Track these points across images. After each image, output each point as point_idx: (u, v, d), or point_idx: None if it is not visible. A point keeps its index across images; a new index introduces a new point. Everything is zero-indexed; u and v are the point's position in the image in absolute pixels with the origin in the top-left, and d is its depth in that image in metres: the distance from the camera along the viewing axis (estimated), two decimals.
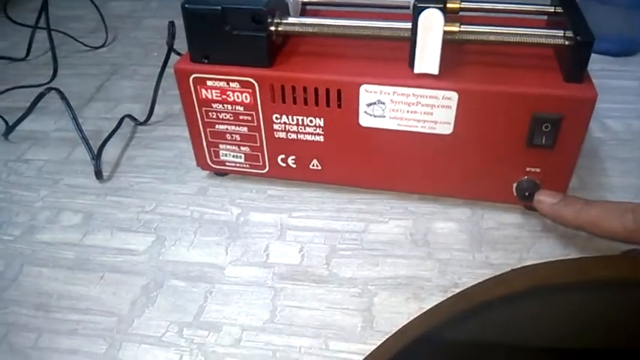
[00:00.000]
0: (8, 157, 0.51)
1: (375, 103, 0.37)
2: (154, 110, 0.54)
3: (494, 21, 0.38)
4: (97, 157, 0.47)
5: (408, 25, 0.35)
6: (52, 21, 0.68)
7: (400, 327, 0.21)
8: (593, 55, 0.34)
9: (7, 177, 0.48)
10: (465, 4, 0.40)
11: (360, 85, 0.37)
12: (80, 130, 0.49)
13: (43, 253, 0.40)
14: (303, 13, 0.43)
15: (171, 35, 0.52)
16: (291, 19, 0.39)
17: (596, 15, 0.59)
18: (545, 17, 0.41)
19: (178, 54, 0.51)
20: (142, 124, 0.54)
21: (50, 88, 0.52)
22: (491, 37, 0.36)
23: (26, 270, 0.38)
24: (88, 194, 0.45)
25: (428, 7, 0.33)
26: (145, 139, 0.52)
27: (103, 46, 0.71)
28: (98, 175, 0.46)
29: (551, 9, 0.40)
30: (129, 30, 0.76)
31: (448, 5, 0.39)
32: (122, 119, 0.52)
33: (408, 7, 0.38)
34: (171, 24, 0.53)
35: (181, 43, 0.42)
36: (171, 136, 0.52)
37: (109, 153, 0.50)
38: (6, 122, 0.54)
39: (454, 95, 0.35)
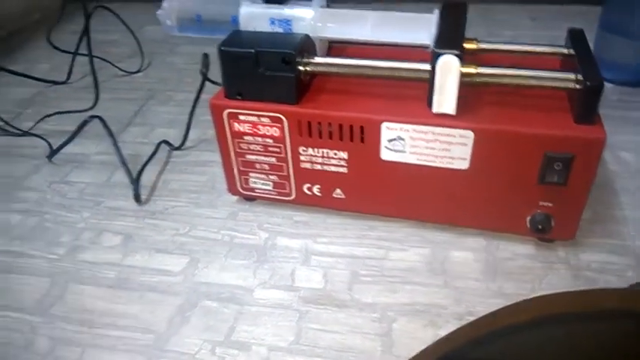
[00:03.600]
0: (52, 178, 0.55)
1: (395, 139, 0.40)
2: (188, 135, 0.57)
3: (508, 60, 0.41)
4: (136, 182, 0.51)
5: (427, 66, 0.38)
6: (92, 46, 0.73)
7: (416, 353, 0.23)
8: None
9: (51, 198, 0.52)
10: (481, 46, 0.43)
11: (382, 123, 0.39)
12: (121, 155, 0.53)
13: (86, 271, 0.43)
14: (329, 49, 0.46)
15: (206, 66, 0.55)
16: (317, 59, 0.41)
17: (614, 46, 0.61)
18: (559, 57, 0.43)
19: (212, 82, 0.55)
20: (176, 149, 0.57)
21: (94, 116, 0.56)
22: (506, 80, 0.38)
23: (71, 287, 0.42)
24: (127, 216, 0.49)
25: (445, 54, 0.36)
26: (179, 164, 0.55)
27: (139, 71, 0.75)
28: (137, 198, 0.50)
29: (565, 50, 0.42)
30: (164, 55, 0.80)
31: (465, 46, 0.41)
32: (159, 145, 0.55)
33: (427, 47, 0.41)
34: (205, 56, 0.57)
35: (214, 70, 0.45)
36: (204, 161, 0.55)
37: (146, 176, 0.53)
38: (50, 146, 0.58)
39: (470, 134, 0.38)
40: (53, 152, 0.57)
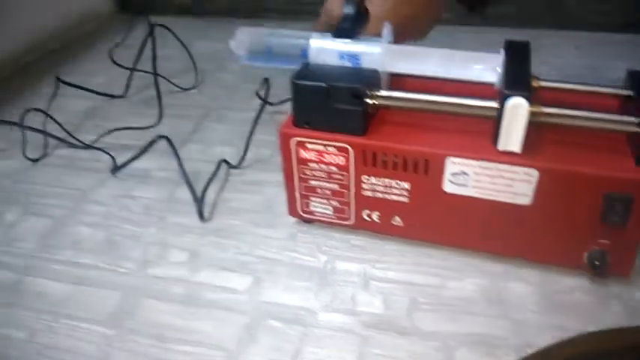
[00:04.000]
0: (117, 192, 0.57)
1: (459, 174, 0.41)
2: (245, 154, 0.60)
3: (568, 98, 0.42)
4: (200, 200, 0.53)
5: (493, 104, 0.40)
6: (143, 60, 0.76)
7: None
8: None
9: (118, 212, 0.55)
10: (542, 84, 0.44)
11: (447, 158, 0.41)
12: (186, 175, 0.55)
13: (156, 286, 0.45)
14: (390, 81, 0.48)
15: (266, 89, 0.58)
16: (384, 93, 0.43)
17: None
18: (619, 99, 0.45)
19: (267, 103, 0.57)
20: (234, 167, 0.59)
21: (161, 136, 0.59)
22: (570, 121, 0.39)
23: (142, 302, 0.44)
24: (191, 233, 0.51)
25: (515, 96, 0.38)
26: (237, 183, 0.58)
27: (193, 87, 0.78)
28: (201, 216, 0.52)
29: (624, 92, 0.43)
30: (214, 71, 0.83)
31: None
32: (219, 164, 0.58)
33: (492, 84, 0.42)
34: (265, 80, 0.59)
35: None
36: (261, 180, 0.57)
37: (207, 194, 0.55)
38: (114, 161, 0.61)
39: (535, 172, 0.39)
40: (117, 168, 0.60)
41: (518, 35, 0.59)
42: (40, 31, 0.92)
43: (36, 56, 0.91)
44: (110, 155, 0.61)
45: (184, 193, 0.55)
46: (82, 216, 0.54)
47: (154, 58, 0.71)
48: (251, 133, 0.58)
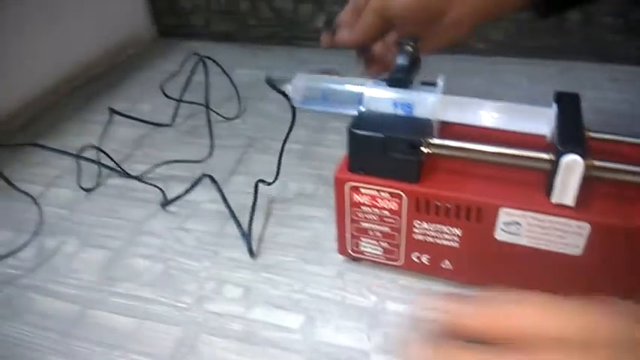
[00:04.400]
0: (170, 224, 0.60)
1: (511, 223, 0.43)
2: (288, 188, 0.62)
3: (619, 149, 0.43)
4: (247, 236, 0.55)
5: (547, 156, 0.41)
6: (187, 89, 0.79)
7: None
8: None
9: (172, 244, 0.57)
10: (592, 135, 0.46)
11: (501, 208, 0.42)
12: (231, 210, 0.57)
13: (213, 322, 0.47)
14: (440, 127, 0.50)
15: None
16: (437, 142, 0.45)
17: None
18: None
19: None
20: (278, 201, 0.61)
21: (206, 175, 0.62)
22: (621, 176, 0.40)
23: (202, 338, 0.46)
24: (243, 268, 0.53)
25: (570, 153, 0.39)
26: (283, 217, 0.59)
27: (237, 117, 0.80)
28: (251, 252, 0.54)
29: None
30: (256, 100, 0.85)
31: None
32: (257, 186, 0.59)
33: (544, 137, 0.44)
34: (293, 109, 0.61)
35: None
36: (307, 216, 0.59)
37: (254, 227, 0.57)
38: (164, 195, 0.63)
39: (587, 226, 0.40)
40: (168, 202, 0.62)
41: (555, 67, 0.59)
42: (87, 56, 0.95)
43: (82, 81, 0.94)
44: (160, 189, 0.64)
45: (234, 227, 0.57)
46: (138, 248, 0.57)
47: (207, 91, 0.74)
48: (279, 158, 0.60)
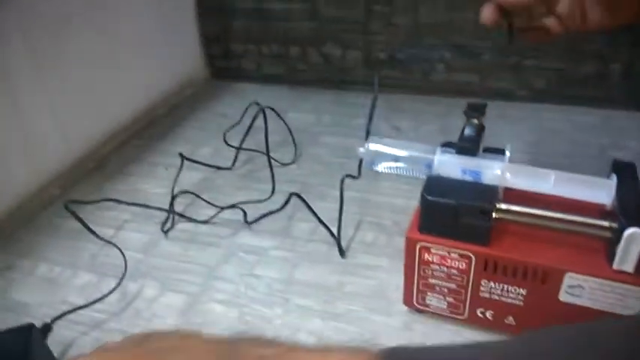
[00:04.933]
0: (241, 270, 0.64)
1: (575, 286, 0.46)
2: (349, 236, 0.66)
3: None
4: None
5: (608, 224, 0.44)
6: (239, 131, 0.84)
7: None
8: None
9: (245, 290, 0.61)
10: None
11: (566, 273, 0.46)
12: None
13: None
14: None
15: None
16: (505, 207, 0.48)
17: None
18: None
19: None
20: (341, 251, 0.65)
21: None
22: None
23: None
24: (314, 317, 0.57)
25: (632, 227, 0.42)
26: (347, 266, 0.63)
27: (293, 162, 0.85)
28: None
29: None
30: (309, 145, 0.90)
31: None
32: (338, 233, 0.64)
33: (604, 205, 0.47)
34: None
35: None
36: (372, 265, 0.63)
37: (319, 275, 0.61)
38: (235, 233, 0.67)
39: None
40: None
41: (597, 115, 0.63)
42: (148, 100, 1.01)
43: (145, 124, 1.00)
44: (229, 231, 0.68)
45: (302, 274, 0.61)
46: (213, 293, 0.61)
47: (266, 139, 0.79)
48: (340, 218, 0.64)
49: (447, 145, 0.53)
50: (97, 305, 0.60)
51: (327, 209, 0.73)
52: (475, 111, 0.52)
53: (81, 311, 0.58)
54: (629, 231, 0.42)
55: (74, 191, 0.80)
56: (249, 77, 1.14)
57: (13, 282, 0.63)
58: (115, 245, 0.67)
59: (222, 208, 0.73)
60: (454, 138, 0.53)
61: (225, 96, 1.10)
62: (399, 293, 0.55)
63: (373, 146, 0.54)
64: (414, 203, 0.51)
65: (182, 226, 0.72)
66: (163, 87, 1.05)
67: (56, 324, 0.55)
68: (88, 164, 0.86)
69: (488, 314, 0.52)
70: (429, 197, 0.48)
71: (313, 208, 0.72)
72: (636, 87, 0.93)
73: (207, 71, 1.17)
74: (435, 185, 0.50)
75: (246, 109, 0.90)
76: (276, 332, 0.55)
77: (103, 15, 0.87)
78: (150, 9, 0.97)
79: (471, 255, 0.49)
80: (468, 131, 0.51)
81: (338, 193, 0.73)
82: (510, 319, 0.51)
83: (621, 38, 0.88)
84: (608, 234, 0.45)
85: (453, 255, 0.49)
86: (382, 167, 0.54)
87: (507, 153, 0.50)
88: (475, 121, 0.51)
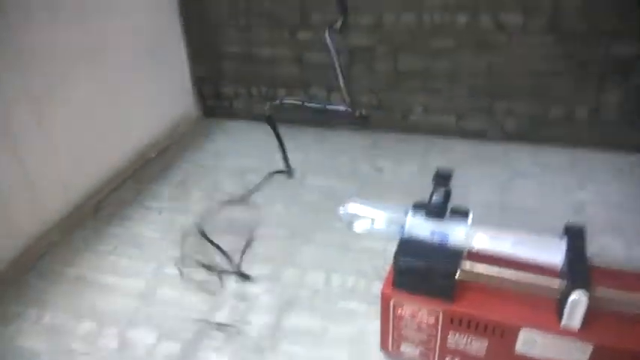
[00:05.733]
0: (234, 316, 0.69)
1: (529, 340, 0.52)
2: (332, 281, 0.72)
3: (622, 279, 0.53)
4: None
5: (559, 286, 0.50)
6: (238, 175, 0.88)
7: None
8: None
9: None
10: (596, 265, 0.55)
11: (522, 328, 0.52)
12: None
13: None
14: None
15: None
16: (469, 269, 0.54)
17: None
18: None
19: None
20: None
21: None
22: (626, 307, 0.50)
23: None
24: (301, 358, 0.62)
25: (577, 290, 0.48)
26: (331, 312, 0.69)
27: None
28: None
29: None
30: (297, 187, 0.96)
31: None
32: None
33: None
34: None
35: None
36: (351, 310, 0.69)
37: (304, 320, 0.67)
38: (220, 279, 0.73)
39: (589, 346, 0.50)
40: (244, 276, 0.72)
41: (565, 155, 0.69)
42: (142, 141, 1.06)
43: (137, 166, 1.05)
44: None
45: (290, 320, 0.67)
46: (209, 341, 0.66)
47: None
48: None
49: (417, 206, 0.59)
50: (99, 352, 0.65)
51: (311, 255, 0.79)
52: (443, 178, 0.58)
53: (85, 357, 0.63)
54: (573, 296, 0.48)
55: (74, 237, 0.85)
56: (240, 116, 1.20)
57: (22, 330, 0.68)
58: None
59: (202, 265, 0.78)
60: (430, 178, 0.59)
61: (214, 134, 1.15)
62: (377, 338, 0.61)
63: (351, 208, 0.59)
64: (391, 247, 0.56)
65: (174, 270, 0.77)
66: (158, 129, 1.10)
67: None
68: (86, 209, 0.91)
69: None
70: (402, 259, 0.54)
71: (302, 250, 0.78)
72: (602, 128, 1.00)
73: (199, 110, 1.23)
74: (407, 247, 0.56)
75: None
76: None
77: (102, 67, 0.92)
78: (144, 58, 1.03)
79: (439, 310, 0.54)
80: (436, 197, 0.57)
81: (324, 237, 0.79)
82: None
83: (588, 83, 0.95)
84: (557, 295, 0.51)
85: (422, 310, 0.55)
86: (359, 228, 0.60)
87: (470, 215, 0.56)
88: (442, 188, 0.57)
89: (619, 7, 0.85)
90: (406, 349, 0.59)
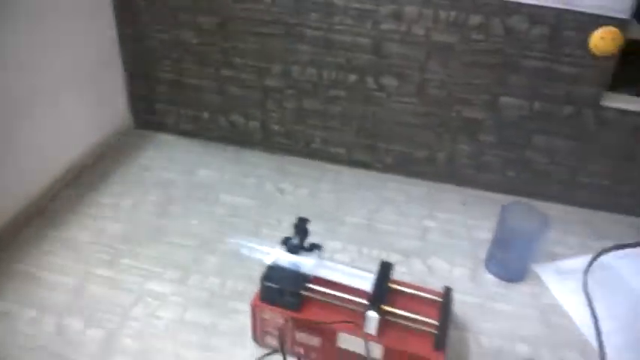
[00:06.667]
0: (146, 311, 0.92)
1: (347, 339, 0.78)
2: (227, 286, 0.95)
3: (412, 300, 0.79)
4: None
5: (365, 304, 0.76)
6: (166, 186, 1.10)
7: None
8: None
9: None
10: (397, 287, 0.81)
11: (339, 332, 0.77)
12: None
13: None
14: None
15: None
16: (312, 288, 0.79)
17: (501, 258, 1.00)
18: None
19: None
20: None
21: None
22: (403, 321, 0.76)
23: None
24: (194, 348, 0.86)
25: (371, 310, 0.74)
26: (224, 311, 0.93)
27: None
28: None
29: (437, 298, 0.80)
30: (212, 203, 1.18)
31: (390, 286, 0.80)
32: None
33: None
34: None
35: None
36: (237, 309, 0.92)
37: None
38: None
39: (381, 346, 0.76)
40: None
41: (425, 187, 0.99)
42: (77, 151, 1.24)
43: (76, 173, 1.23)
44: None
45: (192, 316, 0.90)
46: (126, 330, 0.88)
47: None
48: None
49: (283, 242, 0.83)
50: (40, 334, 0.86)
51: (216, 263, 1.02)
52: (301, 224, 0.82)
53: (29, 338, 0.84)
54: (369, 313, 0.74)
55: (21, 237, 1.04)
56: (169, 130, 1.40)
57: None
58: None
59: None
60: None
61: (146, 146, 1.35)
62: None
63: (241, 239, 0.83)
64: None
65: (101, 271, 0.98)
66: (95, 141, 1.28)
67: None
68: (20, 218, 1.08)
69: (301, 350, 0.83)
70: (265, 282, 0.78)
71: (206, 260, 1.00)
72: (456, 169, 1.27)
73: (132, 123, 1.41)
74: (271, 271, 0.80)
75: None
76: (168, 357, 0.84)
77: (39, 80, 1.07)
78: (85, 79, 1.20)
79: (289, 317, 0.79)
80: (295, 238, 0.81)
81: (226, 248, 1.02)
82: (314, 355, 0.82)
83: (445, 135, 1.21)
84: (363, 310, 0.77)
85: (278, 315, 0.80)
86: (247, 252, 0.83)
87: (322, 248, 0.81)
88: (301, 231, 0.81)
89: (471, 81, 1.11)
90: (269, 340, 0.84)
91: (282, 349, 0.79)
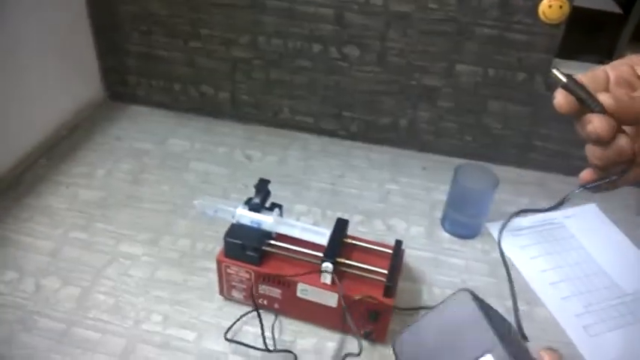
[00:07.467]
0: (119, 270, 0.97)
1: (304, 289, 0.84)
2: (197, 247, 1.01)
3: (366, 252, 0.86)
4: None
5: (322, 257, 0.82)
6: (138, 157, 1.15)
7: None
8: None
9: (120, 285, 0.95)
10: (352, 241, 0.88)
11: (299, 283, 0.84)
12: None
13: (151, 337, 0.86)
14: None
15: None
16: (272, 243, 0.85)
17: (455, 215, 1.07)
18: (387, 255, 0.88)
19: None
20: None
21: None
22: (356, 272, 0.83)
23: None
24: (165, 304, 0.92)
25: (327, 261, 0.81)
26: (193, 269, 0.99)
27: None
28: None
29: (389, 250, 0.87)
30: (181, 170, 1.23)
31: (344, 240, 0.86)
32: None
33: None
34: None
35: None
36: (207, 268, 0.98)
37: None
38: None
39: (336, 295, 0.82)
40: None
41: (389, 154, 1.04)
42: (53, 122, 1.28)
43: (53, 143, 1.27)
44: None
45: (163, 274, 0.96)
46: (100, 287, 0.94)
47: None
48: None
49: (248, 200, 0.89)
50: (19, 294, 0.91)
51: (187, 226, 1.07)
52: (262, 185, 0.88)
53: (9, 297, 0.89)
54: (325, 264, 0.81)
55: None
56: (142, 102, 1.44)
57: None
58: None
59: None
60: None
61: (118, 118, 1.39)
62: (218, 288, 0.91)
63: (204, 202, 0.88)
64: None
65: (75, 234, 1.04)
66: (69, 112, 1.32)
67: None
68: (7, 182, 1.14)
69: (265, 302, 0.89)
70: (228, 238, 0.84)
71: (178, 224, 1.06)
72: (416, 134, 1.33)
73: (105, 95, 1.45)
74: (234, 229, 0.86)
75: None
76: (137, 313, 0.90)
77: (10, 53, 1.10)
78: (55, 52, 1.23)
79: (251, 271, 0.86)
80: (257, 196, 0.87)
81: (194, 214, 1.07)
82: (276, 305, 0.89)
83: (407, 102, 1.27)
84: (320, 262, 0.83)
85: (242, 270, 0.86)
86: (211, 212, 0.89)
87: (282, 208, 0.86)
88: (261, 192, 0.87)
89: (428, 49, 1.16)
90: (234, 294, 0.90)
91: (253, 300, 0.85)
